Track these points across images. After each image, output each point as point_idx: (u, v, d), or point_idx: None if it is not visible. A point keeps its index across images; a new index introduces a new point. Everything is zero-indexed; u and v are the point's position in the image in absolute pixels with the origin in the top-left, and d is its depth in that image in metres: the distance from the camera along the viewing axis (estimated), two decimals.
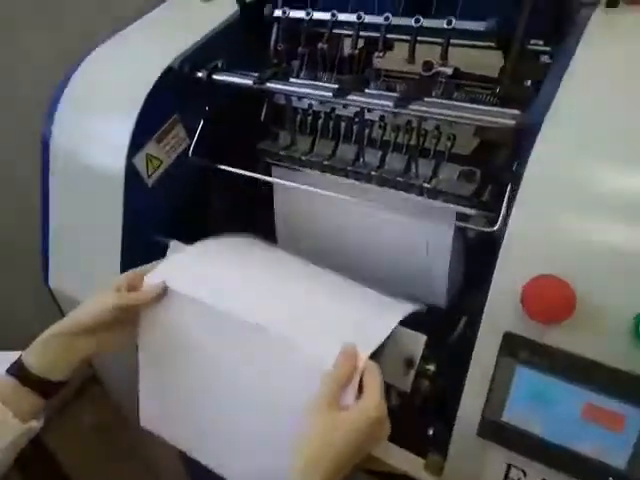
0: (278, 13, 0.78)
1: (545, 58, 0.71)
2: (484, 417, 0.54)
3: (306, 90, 0.72)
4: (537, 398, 0.50)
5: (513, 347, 0.50)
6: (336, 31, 0.76)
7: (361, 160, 0.81)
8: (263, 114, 0.92)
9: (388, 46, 1.00)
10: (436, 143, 0.73)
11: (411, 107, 0.64)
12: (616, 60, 0.58)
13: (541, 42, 0.71)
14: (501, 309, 0.51)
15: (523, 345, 0.50)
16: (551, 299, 0.46)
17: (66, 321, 0.59)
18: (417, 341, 0.59)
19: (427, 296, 0.88)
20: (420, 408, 0.63)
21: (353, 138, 0.81)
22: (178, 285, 0.61)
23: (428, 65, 0.77)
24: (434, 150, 0.74)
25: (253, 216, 1.04)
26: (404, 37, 0.73)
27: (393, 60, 0.86)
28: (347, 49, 0.81)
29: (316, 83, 0.80)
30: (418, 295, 0.88)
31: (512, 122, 0.56)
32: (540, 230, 0.49)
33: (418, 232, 0.79)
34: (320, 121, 0.84)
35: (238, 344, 0.57)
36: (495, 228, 0.59)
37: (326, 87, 0.71)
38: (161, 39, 0.89)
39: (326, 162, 0.83)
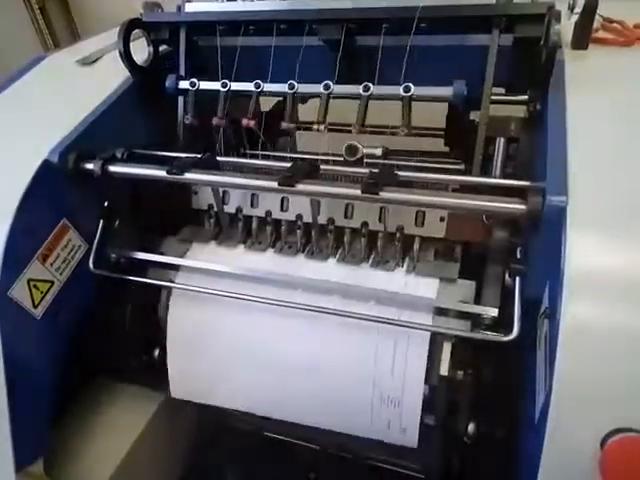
0: (185, 85, 0.61)
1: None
2: None
3: (249, 182, 0.55)
4: None
5: None
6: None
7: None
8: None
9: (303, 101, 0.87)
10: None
11: (396, 196, 0.51)
12: (619, 111, 0.49)
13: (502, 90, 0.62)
14: (563, 469, 0.37)
15: None
16: None
17: None
18: None
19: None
20: None
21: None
22: None
23: (352, 150, 0.63)
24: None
25: None
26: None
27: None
28: None
29: (246, 161, 0.65)
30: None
31: (523, 207, 0.43)
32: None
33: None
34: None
35: None
36: (513, 337, 0.47)
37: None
38: (32, 122, 0.68)
39: None
